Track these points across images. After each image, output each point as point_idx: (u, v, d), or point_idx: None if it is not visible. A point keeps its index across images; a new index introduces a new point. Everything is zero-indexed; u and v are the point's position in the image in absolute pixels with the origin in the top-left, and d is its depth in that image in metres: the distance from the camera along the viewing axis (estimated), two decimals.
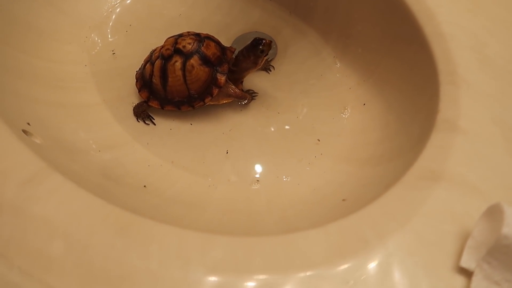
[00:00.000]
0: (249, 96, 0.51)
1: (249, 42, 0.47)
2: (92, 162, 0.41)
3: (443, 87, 0.35)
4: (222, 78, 0.47)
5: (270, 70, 0.54)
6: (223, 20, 0.58)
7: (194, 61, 0.46)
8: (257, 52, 0.46)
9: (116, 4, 0.57)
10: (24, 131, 0.37)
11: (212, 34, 0.49)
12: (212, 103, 0.49)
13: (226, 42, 0.51)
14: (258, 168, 0.45)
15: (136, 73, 0.51)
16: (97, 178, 0.38)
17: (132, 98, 0.50)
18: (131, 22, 0.57)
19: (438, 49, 0.38)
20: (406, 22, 0.42)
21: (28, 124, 0.39)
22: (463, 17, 0.40)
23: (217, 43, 0.49)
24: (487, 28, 0.39)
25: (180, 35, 0.49)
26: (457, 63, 0.37)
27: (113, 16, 0.57)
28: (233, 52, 0.49)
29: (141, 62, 0.51)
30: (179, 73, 0.46)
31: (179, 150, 0.46)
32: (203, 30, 0.50)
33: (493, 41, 0.38)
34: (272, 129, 0.49)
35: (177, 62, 0.46)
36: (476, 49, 0.37)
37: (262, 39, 0.45)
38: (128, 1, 0.58)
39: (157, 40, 0.50)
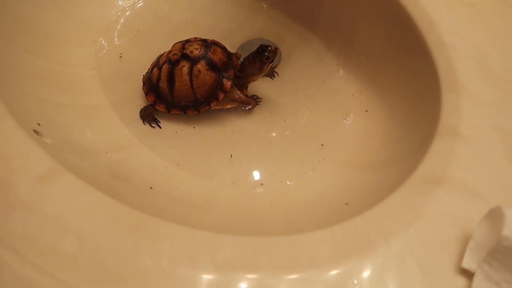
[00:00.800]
0: (254, 101, 0.51)
1: (255, 48, 0.48)
2: (100, 162, 0.42)
3: (445, 94, 0.36)
4: (228, 83, 0.48)
5: (274, 76, 0.55)
6: (229, 27, 0.59)
7: (201, 66, 0.47)
8: (263, 58, 0.47)
9: (124, 8, 0.59)
10: (35, 131, 0.38)
11: (218, 40, 0.50)
12: (217, 108, 0.50)
13: (231, 48, 0.52)
14: (262, 172, 0.46)
15: (143, 77, 0.52)
16: (106, 178, 0.39)
17: (139, 101, 0.51)
18: (138, 27, 0.58)
19: (439, 58, 0.39)
20: (409, 31, 0.43)
21: (39, 124, 0.40)
22: (464, 28, 0.41)
23: (223, 49, 0.50)
24: (488, 39, 0.40)
25: (187, 41, 0.50)
26: (458, 71, 0.38)
27: (121, 21, 0.58)
28: (239, 58, 0.50)
29: (148, 66, 0.52)
30: (186, 77, 0.47)
31: (184, 153, 0.47)
32: (209, 36, 0.51)
33: (494, 52, 0.39)
34: (276, 134, 0.50)
35: (184, 67, 0.47)
36: (477, 59, 0.39)
37: (267, 46, 0.46)
38: (136, 6, 0.59)
39: (164, 44, 0.51)
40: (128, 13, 0.59)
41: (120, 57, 0.55)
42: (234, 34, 0.59)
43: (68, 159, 0.37)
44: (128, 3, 0.59)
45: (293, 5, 0.58)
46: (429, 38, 0.41)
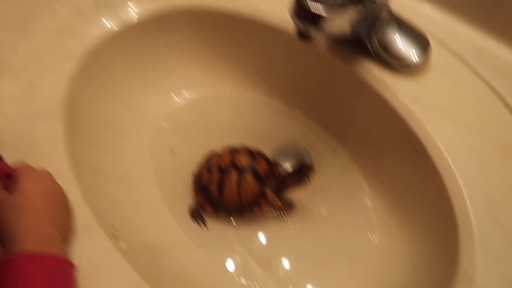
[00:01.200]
0: (288, 208, 0.58)
1: (297, 167, 0.56)
2: (166, 265, 0.47)
3: (463, 243, 0.43)
4: (270, 193, 0.55)
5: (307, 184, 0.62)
6: (267, 130, 0.66)
7: (248, 176, 0.54)
8: (303, 177, 0.54)
9: (177, 107, 0.66)
10: (113, 235, 0.43)
11: (258, 146, 0.58)
12: (258, 213, 0.56)
13: (267, 150, 0.60)
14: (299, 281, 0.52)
15: (194, 177, 0.58)
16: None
17: (188, 198, 0.58)
18: (188, 123, 0.65)
19: (458, 207, 0.45)
20: (431, 172, 0.49)
21: (113, 226, 0.45)
22: (478, 180, 0.48)
23: (266, 160, 0.57)
24: (501, 193, 0.46)
25: (235, 150, 0.57)
26: (473, 221, 0.44)
27: (174, 117, 0.65)
28: (278, 167, 0.57)
29: (196, 161, 0.59)
30: (234, 186, 0.54)
31: (228, 255, 0.54)
32: (248, 137, 0.60)
33: (506, 206, 0.46)
34: (308, 243, 0.56)
35: (234, 176, 0.54)
36: (490, 212, 0.45)
37: (308, 167, 0.54)
38: (186, 104, 0.67)
39: (210, 141, 0.60)
40: (179, 110, 0.66)
41: (172, 152, 0.62)
42: (270, 137, 0.66)
43: (141, 267, 0.42)
44: (181, 101, 0.67)
45: (325, 118, 0.66)
46: (451, 192, 0.46)
